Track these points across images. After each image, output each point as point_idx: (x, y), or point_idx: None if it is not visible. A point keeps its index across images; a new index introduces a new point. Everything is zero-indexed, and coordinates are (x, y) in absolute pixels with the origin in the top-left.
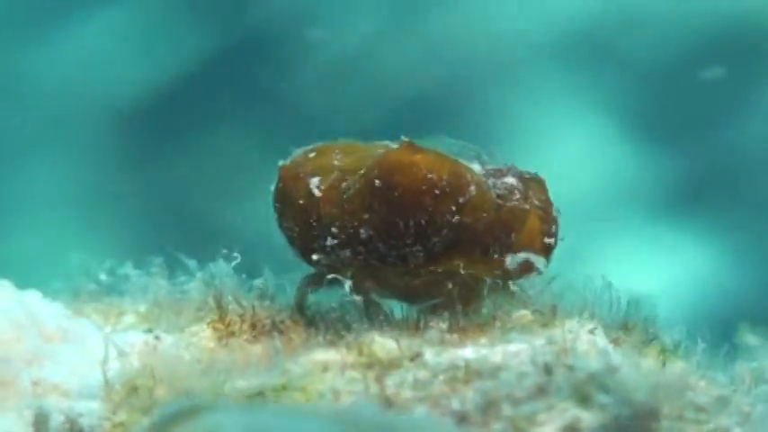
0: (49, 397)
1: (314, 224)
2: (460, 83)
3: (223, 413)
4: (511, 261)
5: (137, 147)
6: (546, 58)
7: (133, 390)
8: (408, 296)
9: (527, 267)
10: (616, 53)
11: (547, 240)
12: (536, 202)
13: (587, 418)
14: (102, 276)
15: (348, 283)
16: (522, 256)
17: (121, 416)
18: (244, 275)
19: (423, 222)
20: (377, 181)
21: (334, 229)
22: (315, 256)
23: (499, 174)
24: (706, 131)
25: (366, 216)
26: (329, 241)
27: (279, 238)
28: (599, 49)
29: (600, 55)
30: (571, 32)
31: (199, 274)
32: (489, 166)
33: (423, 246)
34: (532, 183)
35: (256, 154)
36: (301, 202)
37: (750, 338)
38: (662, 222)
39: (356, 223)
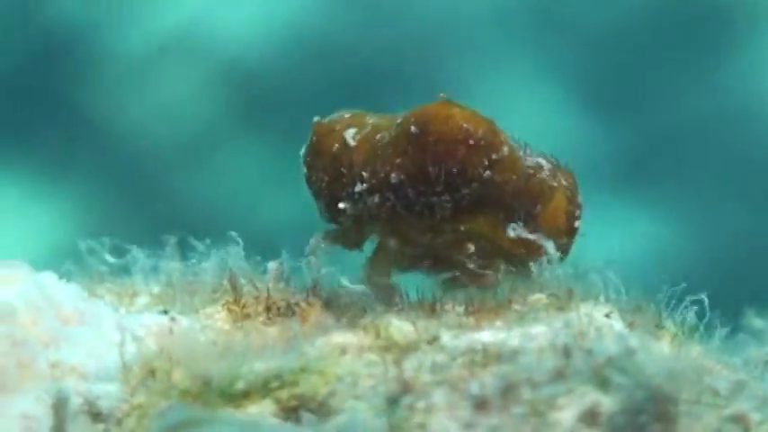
0: (67, 379)
1: (344, 171)
2: (406, 53)
3: (221, 427)
4: (511, 230)
5: None
6: (494, 29)
7: (151, 372)
8: (428, 257)
9: (539, 249)
10: (564, 24)
11: (570, 222)
12: (564, 183)
13: (606, 402)
14: (110, 258)
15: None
16: (531, 236)
17: (140, 398)
18: (258, 258)
19: (454, 171)
20: (413, 127)
21: (365, 174)
22: (342, 205)
23: (530, 153)
24: (653, 103)
25: (399, 161)
26: (358, 187)
27: (295, 221)
28: (548, 19)
29: (548, 26)
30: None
31: (213, 256)
32: (520, 144)
33: (451, 196)
34: (561, 169)
35: None
36: (334, 150)
37: (757, 322)
38: (610, 194)
39: (388, 167)
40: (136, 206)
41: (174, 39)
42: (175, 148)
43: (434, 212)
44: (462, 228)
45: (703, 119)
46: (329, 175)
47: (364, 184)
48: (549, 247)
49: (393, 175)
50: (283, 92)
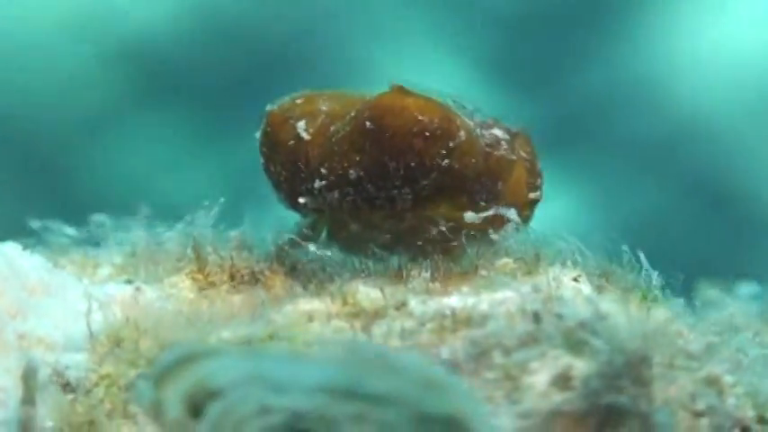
0: (34, 350)
1: (302, 167)
2: (315, 34)
3: (222, 359)
4: (470, 217)
5: None
6: (404, 10)
7: (118, 342)
8: (392, 241)
9: (502, 220)
10: (471, 3)
11: (532, 194)
12: (522, 154)
13: (579, 365)
14: (71, 231)
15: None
16: (489, 212)
17: (108, 368)
18: (222, 226)
19: (412, 164)
20: (368, 123)
21: (323, 171)
22: (302, 200)
23: (486, 126)
24: (559, 77)
25: (356, 157)
26: (317, 183)
27: (258, 189)
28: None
29: (456, 5)
30: None
31: (178, 225)
32: (476, 119)
33: (411, 188)
34: (518, 137)
35: None
36: (290, 145)
37: (711, 292)
38: None
39: (346, 164)
40: (35, 185)
41: (75, 15)
42: (75, 125)
43: (395, 204)
44: (425, 214)
45: (608, 91)
46: (287, 169)
47: (323, 181)
48: (511, 214)
49: (351, 171)
50: (189, 70)
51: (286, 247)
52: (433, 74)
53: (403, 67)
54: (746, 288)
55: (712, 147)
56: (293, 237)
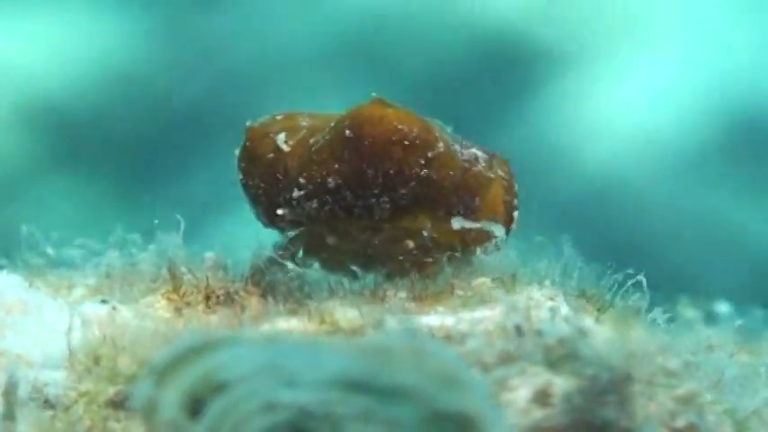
0: (14, 367)
1: (281, 178)
2: (222, 91)
3: (238, 348)
4: (455, 222)
5: None
6: (319, 67)
7: (96, 359)
8: (368, 254)
9: (485, 235)
10: (388, 62)
11: (509, 211)
12: (500, 173)
13: (559, 382)
14: (50, 250)
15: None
16: (475, 224)
17: (86, 385)
18: (196, 247)
19: (391, 173)
20: (347, 131)
21: (301, 180)
22: (280, 211)
23: (465, 145)
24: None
25: (335, 165)
26: (296, 193)
27: (233, 211)
28: (366, 60)
29: (366, 66)
30: (344, 41)
31: (150, 246)
32: (454, 138)
33: (389, 197)
34: (496, 158)
35: None
36: (269, 157)
37: (689, 311)
38: None
39: (324, 172)
40: None
41: None
42: None
43: (373, 214)
44: (402, 225)
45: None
46: (265, 181)
47: (302, 190)
48: (497, 230)
49: (330, 179)
50: (100, 133)
51: (263, 266)
52: None
53: None
54: (723, 309)
55: (618, 209)
56: (272, 255)
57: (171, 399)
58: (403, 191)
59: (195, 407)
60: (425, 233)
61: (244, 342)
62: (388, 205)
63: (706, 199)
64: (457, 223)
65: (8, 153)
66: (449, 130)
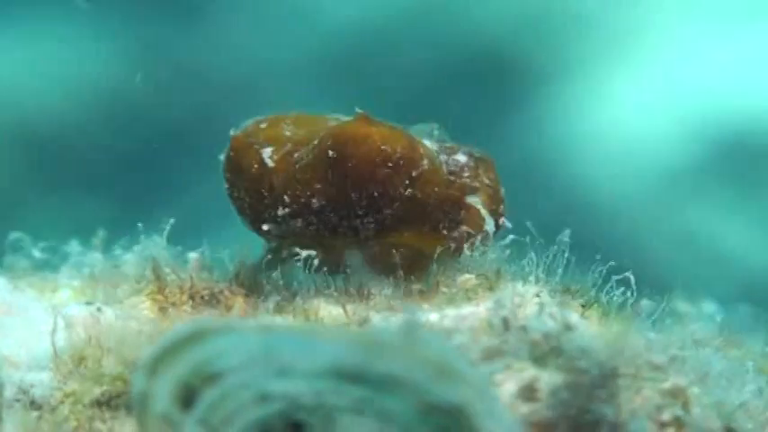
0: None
1: (265, 194)
2: (217, 107)
3: (231, 336)
4: (459, 232)
5: None
6: (306, 81)
7: (81, 360)
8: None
9: (472, 236)
10: (376, 76)
11: (494, 220)
12: (486, 181)
13: (545, 377)
14: (36, 253)
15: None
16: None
17: (72, 385)
18: (180, 248)
19: (375, 194)
20: (330, 152)
21: (286, 198)
22: (265, 227)
23: (450, 151)
24: None
25: (319, 186)
26: (281, 211)
27: (218, 209)
28: (357, 74)
29: (358, 80)
30: (330, 58)
31: (135, 247)
32: (440, 143)
33: (374, 218)
34: (482, 162)
35: None
36: (253, 171)
37: (682, 305)
38: None
39: (309, 193)
40: None
41: None
42: None
43: (358, 233)
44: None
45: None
46: (250, 196)
47: (286, 209)
48: (488, 225)
49: (314, 200)
50: (78, 151)
51: (255, 267)
52: None
53: None
54: (709, 306)
55: (604, 223)
56: (264, 256)
57: (163, 390)
58: (388, 211)
59: (188, 398)
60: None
61: (238, 330)
62: (372, 225)
63: (691, 215)
64: (460, 233)
65: None
66: (435, 131)
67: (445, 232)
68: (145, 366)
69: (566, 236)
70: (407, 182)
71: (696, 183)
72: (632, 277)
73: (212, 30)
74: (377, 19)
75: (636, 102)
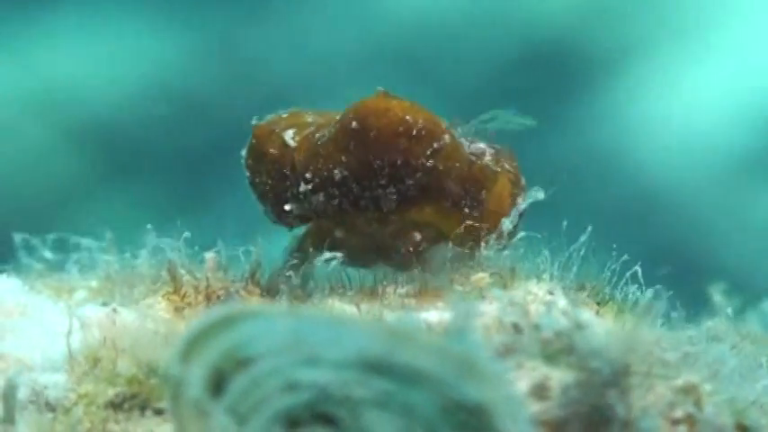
0: (13, 370)
1: (287, 174)
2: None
3: (261, 321)
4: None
5: None
6: (366, 77)
7: (96, 361)
8: (375, 248)
9: (493, 229)
10: (434, 71)
11: (517, 202)
12: (507, 167)
13: (557, 375)
14: (48, 254)
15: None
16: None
17: (86, 387)
18: (196, 247)
19: (397, 163)
20: (353, 123)
21: (308, 174)
22: (287, 206)
23: (471, 140)
24: (528, 146)
25: (341, 157)
26: (302, 187)
27: (234, 210)
28: (415, 72)
29: (416, 79)
30: (392, 50)
31: (149, 248)
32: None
33: (396, 188)
34: (503, 152)
35: None
36: (275, 152)
37: (717, 297)
38: None
39: (331, 165)
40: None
41: (36, 95)
42: (38, 204)
43: (380, 205)
44: (409, 217)
45: (564, 158)
46: (272, 177)
47: (308, 184)
48: (504, 222)
49: (336, 171)
50: (151, 148)
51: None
52: None
53: None
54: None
55: (669, 211)
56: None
57: (196, 375)
58: (409, 182)
59: (219, 383)
60: (420, 237)
61: (269, 315)
62: (394, 197)
63: (757, 201)
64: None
65: (60, 172)
66: (457, 128)
67: (467, 211)
68: (178, 352)
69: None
70: (429, 153)
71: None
72: (639, 270)
73: (276, 24)
74: (439, 10)
75: (704, 89)
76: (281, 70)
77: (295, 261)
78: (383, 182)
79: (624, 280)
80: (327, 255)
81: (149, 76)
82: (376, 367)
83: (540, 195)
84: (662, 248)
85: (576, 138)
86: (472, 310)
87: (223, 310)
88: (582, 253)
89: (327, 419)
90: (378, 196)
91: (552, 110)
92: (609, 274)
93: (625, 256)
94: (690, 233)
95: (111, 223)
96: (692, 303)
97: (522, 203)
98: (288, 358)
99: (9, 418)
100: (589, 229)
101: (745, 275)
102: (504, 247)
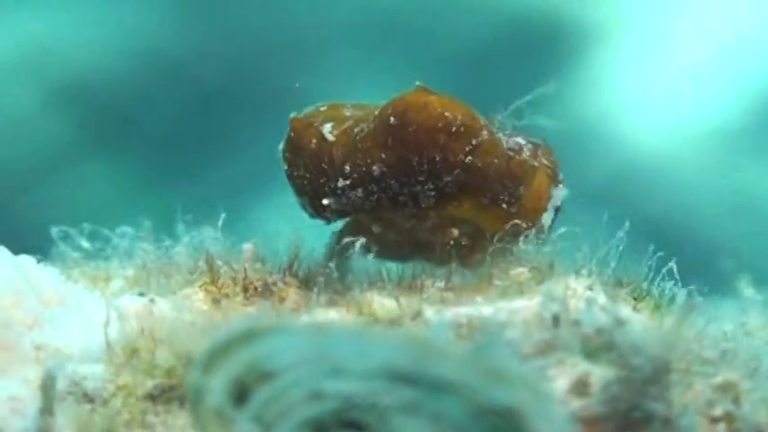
0: (52, 361)
1: (326, 168)
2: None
3: (285, 336)
4: (555, 196)
5: None
6: (352, 43)
7: (134, 352)
8: (412, 243)
9: (530, 224)
10: (422, 39)
11: (556, 192)
12: (545, 162)
13: (597, 372)
14: (85, 243)
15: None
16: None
17: (125, 378)
18: (234, 238)
19: (436, 159)
20: (392, 118)
21: (346, 169)
22: (326, 201)
23: (509, 135)
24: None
25: (380, 153)
26: (341, 182)
27: (270, 202)
28: (400, 39)
29: (401, 45)
30: (377, 16)
31: (186, 238)
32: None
33: (435, 184)
34: (540, 147)
35: None
36: (313, 147)
37: (748, 291)
38: None
39: (369, 161)
40: None
41: (17, 59)
42: (21, 168)
43: (419, 202)
44: (448, 213)
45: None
46: (310, 171)
47: (347, 180)
48: (543, 216)
49: (375, 167)
50: (134, 113)
51: (325, 261)
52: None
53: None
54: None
55: (656, 185)
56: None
57: (218, 385)
58: (448, 178)
59: (241, 394)
60: (458, 233)
61: (291, 330)
62: (433, 193)
63: (744, 175)
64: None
65: (45, 136)
66: (499, 117)
67: (505, 207)
68: (200, 363)
69: (623, 230)
70: (467, 149)
71: (751, 142)
72: (675, 266)
73: None
74: None
75: (691, 61)
76: (268, 34)
77: (333, 254)
78: (421, 178)
79: (661, 275)
80: (358, 243)
81: (134, 40)
82: (403, 378)
83: (563, 193)
84: (647, 221)
85: (561, 111)
86: (501, 320)
87: (245, 324)
88: (621, 249)
89: (355, 425)
90: (416, 192)
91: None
92: (646, 270)
93: (660, 252)
94: (675, 206)
95: (95, 188)
96: (685, 276)
97: (557, 198)
98: (311, 371)
99: (48, 410)
100: (626, 225)
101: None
102: (543, 242)
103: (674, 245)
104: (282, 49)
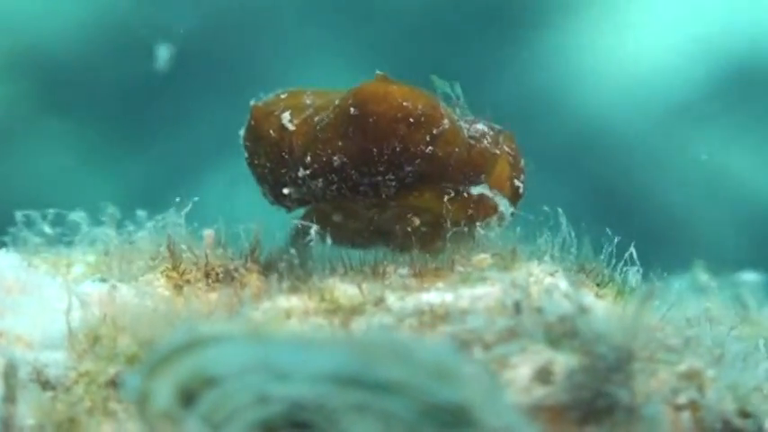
0: (14, 348)
1: (286, 157)
2: (221, 34)
3: (226, 345)
4: (475, 190)
5: None
6: (309, 12)
7: (96, 339)
8: (373, 232)
9: (491, 210)
10: (378, 10)
11: (515, 187)
12: (506, 149)
13: (561, 359)
14: (47, 229)
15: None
16: (490, 193)
17: (87, 365)
18: (195, 224)
19: (396, 150)
20: (352, 109)
21: (307, 159)
22: (286, 190)
23: (471, 121)
24: (466, 88)
25: (340, 143)
26: (301, 172)
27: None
28: (355, 9)
29: (356, 15)
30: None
31: (149, 224)
32: (459, 114)
33: (395, 175)
34: (502, 133)
35: None
36: (273, 136)
37: (702, 277)
38: None
39: (330, 151)
40: None
41: None
42: None
43: (380, 192)
44: (408, 202)
45: (507, 102)
46: (271, 160)
47: (307, 170)
48: (503, 205)
49: (335, 157)
50: (87, 79)
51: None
52: (333, 82)
53: (307, 80)
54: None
55: (610, 156)
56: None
57: (164, 389)
58: (408, 168)
59: (188, 398)
60: (419, 222)
61: (233, 339)
62: (393, 183)
63: (697, 145)
64: (475, 191)
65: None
66: (459, 93)
67: (465, 195)
68: (142, 370)
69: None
70: (428, 139)
71: (703, 112)
72: (634, 251)
73: None
74: None
75: (642, 31)
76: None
77: (293, 241)
78: (382, 169)
79: (622, 260)
80: (313, 230)
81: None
82: (349, 382)
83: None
84: (601, 191)
85: (517, 87)
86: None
87: (185, 336)
88: (583, 234)
89: (305, 426)
90: (377, 183)
91: (494, 59)
92: (607, 255)
93: (618, 237)
94: (628, 176)
95: (48, 155)
96: (644, 256)
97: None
98: (256, 377)
99: (10, 398)
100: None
101: (681, 220)
102: (505, 228)
103: (634, 218)
104: (238, 11)
